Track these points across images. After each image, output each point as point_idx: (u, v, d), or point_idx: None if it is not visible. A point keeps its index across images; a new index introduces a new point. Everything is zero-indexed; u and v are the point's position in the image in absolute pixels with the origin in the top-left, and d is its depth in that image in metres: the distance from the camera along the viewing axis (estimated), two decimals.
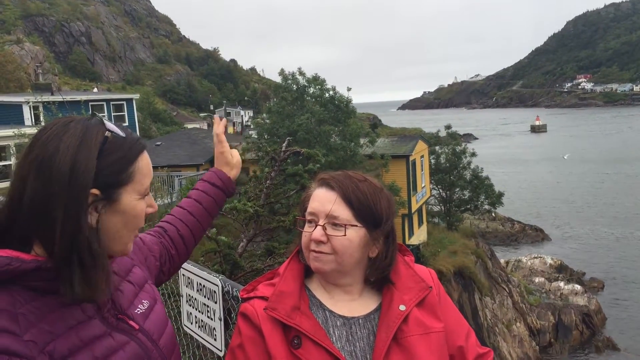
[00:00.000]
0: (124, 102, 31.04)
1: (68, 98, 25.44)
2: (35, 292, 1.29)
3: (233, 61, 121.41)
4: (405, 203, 28.60)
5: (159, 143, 36.55)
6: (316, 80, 28.17)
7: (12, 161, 21.07)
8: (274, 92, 32.34)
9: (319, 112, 26.40)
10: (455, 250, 32.03)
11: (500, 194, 38.85)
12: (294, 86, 28.20)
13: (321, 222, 1.55)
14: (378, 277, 1.62)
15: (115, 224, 1.34)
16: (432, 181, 38.47)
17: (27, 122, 24.38)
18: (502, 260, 39.08)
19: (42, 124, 21.56)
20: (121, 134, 1.37)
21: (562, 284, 37.14)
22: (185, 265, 3.14)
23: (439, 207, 40.21)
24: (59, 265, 1.26)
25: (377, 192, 1.61)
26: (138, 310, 1.48)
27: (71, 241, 1.25)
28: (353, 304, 1.61)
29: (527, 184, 69.55)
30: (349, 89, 28.39)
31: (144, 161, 1.39)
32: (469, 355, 1.62)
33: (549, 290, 37.06)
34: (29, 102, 25.27)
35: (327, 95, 27.77)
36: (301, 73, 28.49)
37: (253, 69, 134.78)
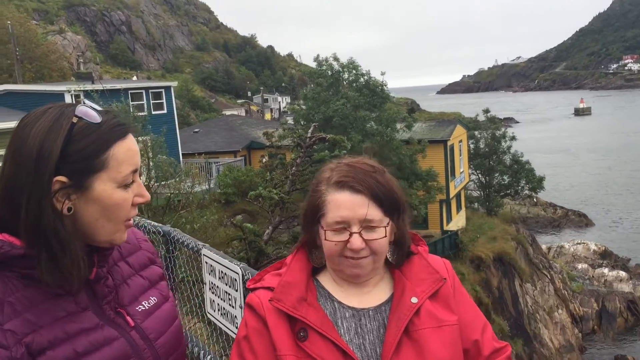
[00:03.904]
0: (163, 90, 31.35)
1: (108, 86, 25.86)
2: (31, 280, 1.28)
3: (270, 47, 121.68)
4: (443, 188, 28.28)
5: (197, 130, 36.99)
6: (351, 65, 27.99)
7: None
8: (310, 78, 32.33)
9: (354, 97, 26.26)
10: (494, 236, 31.65)
11: (541, 179, 38.09)
12: (329, 72, 28.08)
13: (356, 229, 1.47)
14: (401, 258, 1.57)
15: (91, 213, 1.30)
16: (471, 166, 37.99)
17: None
18: (543, 246, 38.45)
19: None
20: (94, 120, 1.30)
21: (606, 270, 36.36)
22: (207, 252, 3.13)
23: (478, 192, 39.70)
24: (27, 251, 1.25)
25: (389, 178, 1.56)
26: (140, 307, 1.45)
27: (35, 227, 1.23)
28: (364, 296, 1.54)
29: (570, 168, 67.94)
30: (382, 74, 28.14)
31: (122, 148, 1.32)
32: (484, 350, 1.54)
33: (593, 276, 36.33)
34: (70, 91, 25.77)
35: (362, 80, 27.56)
36: (335, 59, 28.36)
37: (290, 55, 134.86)
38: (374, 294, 1.55)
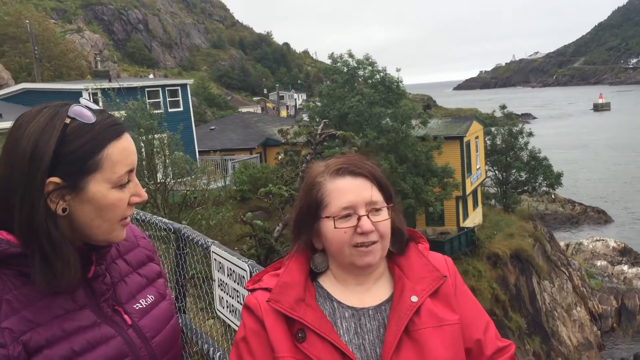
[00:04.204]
0: (179, 88, 31.53)
1: (125, 85, 26.09)
2: (29, 278, 1.28)
3: (286, 44, 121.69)
4: (459, 185, 28.08)
5: (213, 127, 37.16)
6: (366, 61, 27.91)
7: None
8: (325, 75, 32.29)
9: (369, 93, 26.17)
10: (511, 232, 31.43)
11: (559, 175, 37.70)
12: (344, 68, 28.02)
13: (362, 212, 1.47)
14: (401, 247, 1.57)
15: (87, 214, 1.29)
16: (488, 162, 37.71)
17: None
18: (562, 243, 38.11)
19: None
20: (87, 120, 1.29)
21: (625, 267, 35.94)
22: (216, 249, 3.13)
23: (495, 189, 39.41)
24: (24, 250, 1.25)
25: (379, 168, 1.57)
26: (137, 306, 1.45)
27: (27, 228, 1.24)
28: (364, 295, 1.52)
29: (589, 165, 67.17)
30: (398, 70, 28.01)
31: (117, 148, 1.31)
32: (487, 349, 1.51)
33: (612, 273, 35.93)
34: (87, 89, 26.01)
35: (377, 76, 27.47)
36: (350, 55, 28.27)
37: (306, 52, 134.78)
38: (374, 293, 1.53)
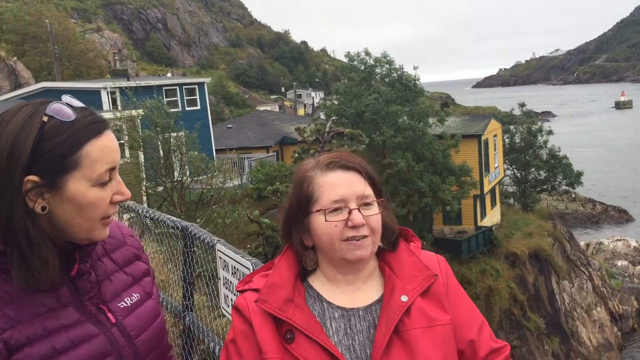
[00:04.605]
0: (196, 86, 31.71)
1: (142, 83, 26.30)
2: (11, 275, 1.27)
3: (304, 43, 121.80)
4: (476, 184, 27.88)
5: (230, 126, 37.31)
6: (383, 59, 27.81)
7: None
8: (342, 73, 32.25)
9: (386, 92, 26.07)
10: (530, 232, 31.18)
11: (579, 174, 37.30)
12: (361, 66, 27.96)
13: (353, 205, 1.45)
14: (391, 244, 1.55)
15: (67, 212, 1.28)
16: (506, 161, 37.42)
17: (105, 107, 25.36)
18: (581, 243, 37.71)
19: (119, 108, 22.44)
20: (66, 117, 1.28)
21: None
22: (221, 248, 3.12)
23: (513, 187, 39.09)
24: (2, 249, 1.25)
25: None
26: (122, 304, 1.44)
27: (5, 226, 1.23)
28: (354, 295, 1.49)
29: (610, 163, 66.29)
30: (415, 68, 27.86)
31: (96, 146, 1.29)
32: (480, 350, 1.47)
33: (633, 273, 35.49)
34: (106, 88, 26.27)
35: (394, 74, 27.35)
36: (367, 53, 28.19)
37: (324, 50, 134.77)
38: (365, 293, 1.50)
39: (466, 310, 1.51)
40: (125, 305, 1.44)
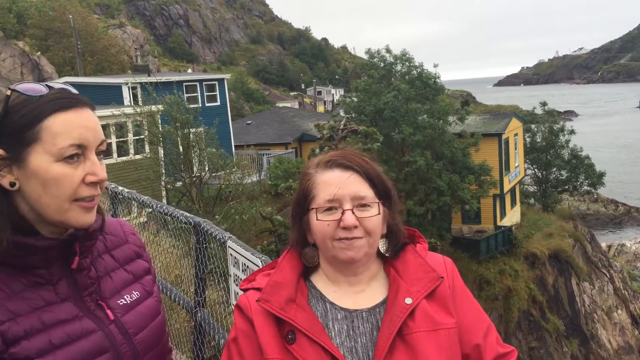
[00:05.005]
0: (216, 82, 31.81)
1: (163, 79, 26.44)
2: (12, 268, 1.28)
3: (324, 40, 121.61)
4: (496, 183, 27.62)
5: (249, 122, 37.39)
6: (403, 57, 27.67)
7: (112, 140, 22.21)
8: (361, 70, 32.15)
9: (405, 89, 25.93)
10: (550, 232, 30.86)
11: (602, 174, 36.81)
12: (381, 64, 27.83)
13: (348, 206, 1.42)
14: (395, 250, 1.51)
15: (34, 189, 1.28)
16: (527, 160, 37.03)
17: (126, 102, 25.56)
18: (603, 244, 37.23)
19: (140, 103, 22.61)
20: (31, 92, 1.29)
21: None
22: (232, 244, 3.11)
23: (534, 187, 38.68)
24: None
25: (379, 167, 1.52)
26: (122, 301, 1.43)
27: None
28: (358, 296, 1.47)
29: (634, 164, 65.27)
30: (435, 65, 27.66)
31: (60, 119, 1.28)
32: (487, 355, 1.44)
33: None
34: (127, 83, 26.48)
35: (414, 72, 27.19)
36: (388, 50, 28.06)
37: (344, 48, 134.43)
38: (369, 295, 1.47)
39: (472, 314, 1.48)
40: (125, 302, 1.43)
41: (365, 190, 1.44)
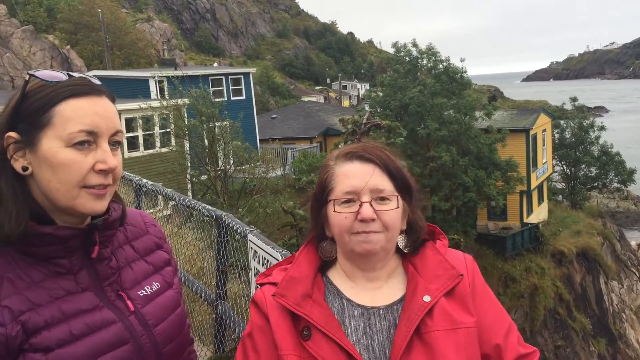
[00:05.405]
0: (242, 76, 31.92)
1: (189, 73, 26.63)
2: (33, 258, 1.29)
3: (350, 34, 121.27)
4: (523, 179, 27.25)
5: (274, 116, 37.47)
6: (429, 51, 27.42)
7: (139, 133, 22.44)
8: (387, 65, 31.96)
9: (431, 84, 25.70)
10: (579, 230, 30.42)
11: (632, 171, 36.19)
12: (407, 58, 27.62)
13: (366, 198, 1.39)
14: (414, 247, 1.48)
15: (45, 174, 1.28)
16: (555, 157, 36.48)
17: (153, 95, 25.80)
18: (633, 243, 36.60)
19: (166, 97, 22.80)
20: (48, 78, 1.30)
21: None
22: (253, 238, 3.09)
23: (562, 184, 38.13)
24: None
25: (400, 161, 1.49)
26: (142, 292, 1.42)
27: None
28: (376, 293, 1.44)
29: None
30: (462, 60, 27.34)
31: (72, 105, 1.29)
32: (507, 355, 1.40)
33: None
34: (154, 77, 26.72)
35: (440, 66, 26.92)
36: (414, 45, 27.83)
37: (370, 42, 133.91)
38: (386, 291, 1.44)
39: (493, 313, 1.44)
40: (145, 293, 1.42)
41: (384, 183, 1.42)
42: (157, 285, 1.46)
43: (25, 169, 1.28)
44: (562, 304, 26.81)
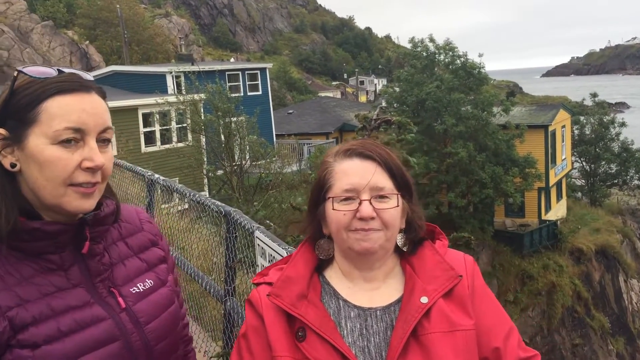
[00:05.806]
0: (258, 71, 31.99)
1: (206, 68, 26.72)
2: (23, 253, 1.28)
3: (368, 29, 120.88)
4: (542, 176, 26.97)
5: (290, 111, 37.49)
6: (447, 46, 27.21)
7: (156, 128, 22.58)
8: (404, 60, 31.79)
9: (448, 79, 25.50)
10: (598, 227, 30.11)
11: None
12: (424, 53, 27.44)
13: (365, 196, 1.37)
14: (412, 245, 1.45)
15: (32, 171, 1.27)
16: (575, 153, 36.06)
17: (170, 90, 25.92)
18: None
19: (183, 92, 22.91)
20: (36, 75, 1.29)
21: None
22: (259, 235, 3.07)
23: (581, 181, 37.70)
24: None
25: (399, 160, 1.45)
26: (134, 289, 1.40)
27: None
28: (373, 293, 1.40)
29: None
30: (480, 55, 27.09)
31: (58, 102, 1.27)
32: (506, 359, 1.36)
33: None
34: (171, 72, 26.85)
35: (458, 62, 26.71)
36: (431, 40, 27.64)
37: (388, 37, 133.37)
38: (384, 292, 1.41)
39: (493, 315, 1.40)
40: (138, 290, 1.41)
41: (384, 181, 1.39)
42: (151, 283, 1.44)
43: (13, 165, 1.28)
44: (580, 302, 26.55)
